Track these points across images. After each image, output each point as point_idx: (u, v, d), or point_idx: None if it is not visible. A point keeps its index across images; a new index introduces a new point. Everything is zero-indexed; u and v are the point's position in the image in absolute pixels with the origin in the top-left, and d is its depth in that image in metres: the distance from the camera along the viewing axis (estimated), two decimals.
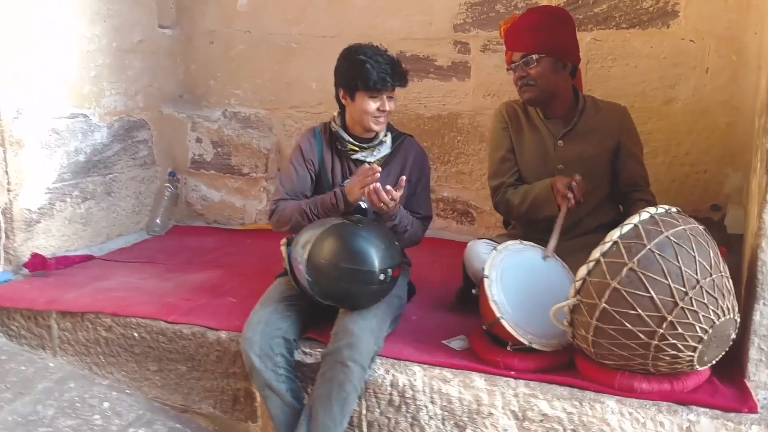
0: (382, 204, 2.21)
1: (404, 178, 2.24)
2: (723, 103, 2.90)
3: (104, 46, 3.53)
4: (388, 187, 2.21)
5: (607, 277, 1.79)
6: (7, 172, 3.12)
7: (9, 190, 3.13)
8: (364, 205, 2.36)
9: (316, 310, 2.28)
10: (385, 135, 2.47)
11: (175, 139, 4.01)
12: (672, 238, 1.79)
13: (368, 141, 2.44)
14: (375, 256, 2.09)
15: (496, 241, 2.39)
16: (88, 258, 3.37)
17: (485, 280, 2.08)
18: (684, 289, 1.74)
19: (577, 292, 1.86)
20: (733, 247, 2.63)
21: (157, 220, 3.85)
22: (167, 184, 3.93)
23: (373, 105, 2.33)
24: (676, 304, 1.74)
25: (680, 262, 1.76)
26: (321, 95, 3.69)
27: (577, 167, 2.38)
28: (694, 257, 1.77)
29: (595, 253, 1.83)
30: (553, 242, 2.22)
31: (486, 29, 3.25)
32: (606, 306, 1.79)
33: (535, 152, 2.46)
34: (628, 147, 2.44)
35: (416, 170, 2.49)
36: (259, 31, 3.80)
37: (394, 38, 3.45)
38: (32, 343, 2.79)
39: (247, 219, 3.91)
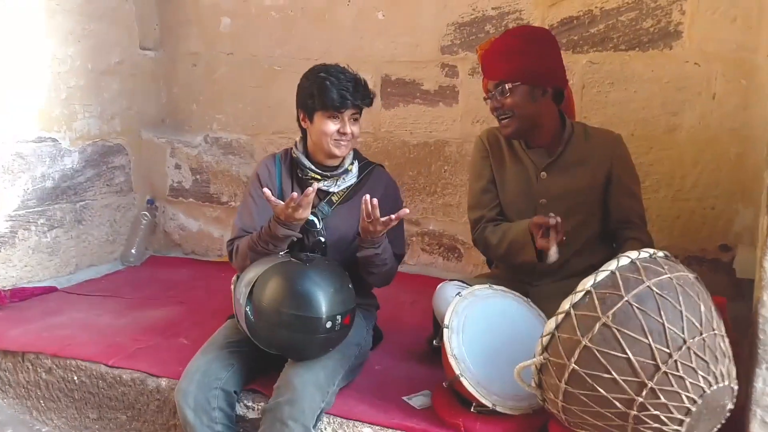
0: (371, 224, 1.97)
1: (407, 210, 1.99)
2: (732, 132, 2.62)
3: (78, 67, 3.38)
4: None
5: (578, 333, 1.52)
6: None
7: None
8: (323, 238, 2.14)
9: (264, 358, 2.02)
10: (351, 163, 2.24)
11: (154, 166, 3.83)
12: (654, 288, 1.52)
13: (332, 169, 2.21)
14: (322, 301, 1.85)
15: (468, 284, 2.13)
16: (50, 290, 3.17)
17: (444, 330, 1.82)
18: (668, 350, 1.46)
19: (544, 349, 1.59)
20: (744, 293, 2.33)
21: (132, 250, 3.66)
22: (144, 212, 3.74)
23: (332, 126, 2.11)
24: (657, 367, 1.46)
25: (663, 317, 1.48)
26: None
27: (562, 202, 2.13)
28: (681, 312, 1.50)
29: (565, 304, 1.56)
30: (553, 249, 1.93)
31: (475, 51, 3.02)
32: (576, 367, 1.52)
33: (517, 184, 2.21)
34: (619, 178, 2.17)
35: (388, 203, 2.26)
36: (242, 53, 3.62)
37: (379, 61, 3.25)
38: None
39: (224, 250, 3.68)
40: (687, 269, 1.62)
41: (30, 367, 2.45)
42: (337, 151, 2.14)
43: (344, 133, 2.12)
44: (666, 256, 1.64)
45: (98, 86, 3.50)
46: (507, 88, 2.06)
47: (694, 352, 1.47)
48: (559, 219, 1.93)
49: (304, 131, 2.22)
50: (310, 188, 1.91)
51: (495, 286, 1.99)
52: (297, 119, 2.21)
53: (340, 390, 2.01)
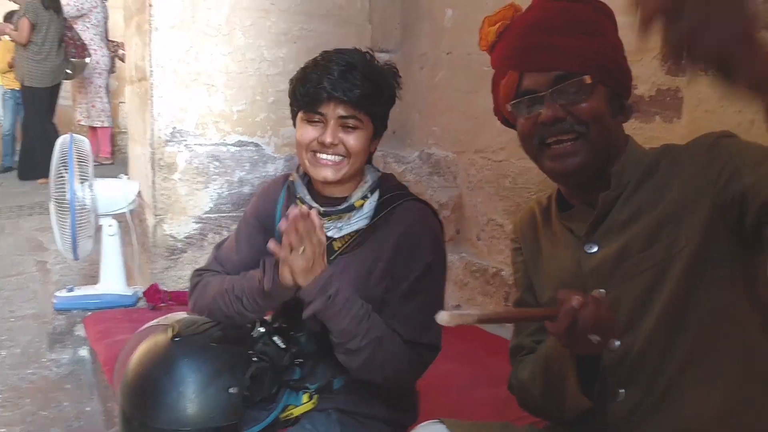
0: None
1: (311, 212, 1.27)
2: None
3: (291, 70, 3.10)
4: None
5: None
6: (153, 196, 3.05)
7: (155, 215, 3.05)
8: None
9: None
10: (364, 197, 1.45)
11: None
12: None
13: (333, 203, 1.46)
14: (164, 402, 1.20)
15: None
16: None
17: None
18: None
19: None
20: None
21: None
22: None
23: (309, 132, 1.39)
24: None
25: None
26: (505, 136, 2.62)
27: (637, 280, 1.06)
28: None
29: None
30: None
31: None
32: None
33: (557, 279, 1.15)
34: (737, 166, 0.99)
35: (402, 256, 1.40)
36: (459, 50, 2.93)
37: None
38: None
39: None
40: None
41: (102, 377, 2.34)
42: (315, 172, 1.41)
43: (323, 144, 1.37)
44: None
45: None
46: (584, 81, 1.06)
47: None
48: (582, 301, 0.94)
49: None
50: (297, 210, 1.27)
51: None
52: None
53: None
